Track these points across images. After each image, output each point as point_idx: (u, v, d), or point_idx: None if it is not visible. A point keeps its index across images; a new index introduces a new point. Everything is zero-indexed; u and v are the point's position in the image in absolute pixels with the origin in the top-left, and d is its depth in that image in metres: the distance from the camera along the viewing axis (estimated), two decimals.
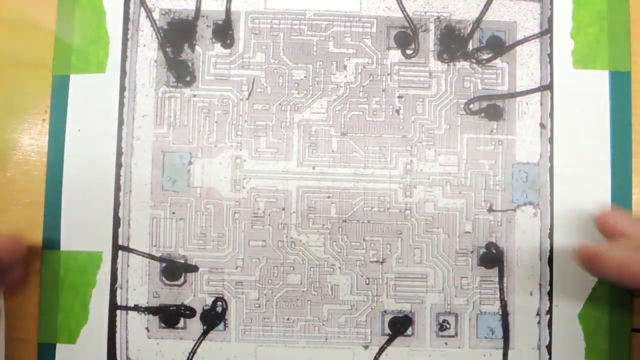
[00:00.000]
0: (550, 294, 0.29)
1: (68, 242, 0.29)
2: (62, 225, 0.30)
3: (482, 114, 0.30)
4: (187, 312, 0.30)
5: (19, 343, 0.30)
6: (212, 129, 0.30)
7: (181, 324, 0.30)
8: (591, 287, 0.29)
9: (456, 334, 0.29)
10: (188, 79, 0.30)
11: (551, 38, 0.30)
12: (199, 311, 0.29)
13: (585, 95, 0.30)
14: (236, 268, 0.30)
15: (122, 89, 0.30)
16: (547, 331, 0.29)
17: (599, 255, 0.25)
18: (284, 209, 0.30)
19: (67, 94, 0.30)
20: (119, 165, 0.30)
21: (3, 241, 0.28)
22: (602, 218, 0.27)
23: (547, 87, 0.30)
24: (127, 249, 0.30)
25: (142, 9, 0.30)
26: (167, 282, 0.30)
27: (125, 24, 0.30)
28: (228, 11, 0.30)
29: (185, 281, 0.30)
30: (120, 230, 0.30)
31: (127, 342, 0.29)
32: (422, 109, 0.30)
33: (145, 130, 0.30)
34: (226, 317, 0.29)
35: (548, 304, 0.29)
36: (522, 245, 0.29)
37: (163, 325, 0.29)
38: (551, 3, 0.30)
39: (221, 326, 0.29)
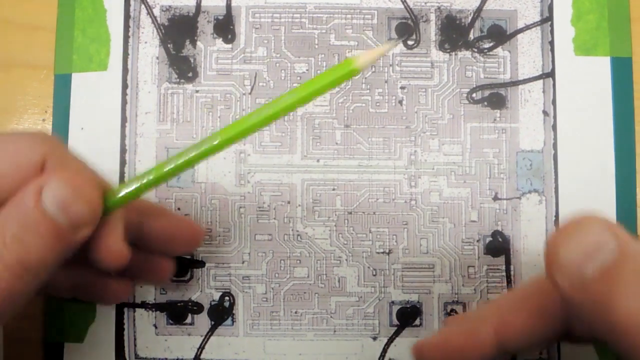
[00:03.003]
0: None
1: None
2: None
3: (485, 103, 0.30)
4: (195, 307, 0.29)
5: (26, 343, 0.29)
6: (216, 124, 0.30)
7: (189, 319, 0.29)
8: None
9: None
10: (190, 74, 0.30)
11: (552, 26, 0.30)
12: (206, 306, 0.29)
13: (587, 82, 0.30)
14: (243, 262, 0.30)
15: (125, 86, 0.30)
16: None
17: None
18: (289, 202, 0.30)
19: (70, 93, 0.30)
20: (123, 163, 0.30)
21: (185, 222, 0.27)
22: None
23: (549, 75, 0.30)
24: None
25: (142, 6, 0.30)
26: (174, 278, 0.30)
27: (126, 21, 0.30)
28: (229, 6, 0.30)
29: (191, 277, 0.30)
30: None
31: (135, 339, 0.29)
32: (424, 99, 0.30)
33: (149, 127, 0.30)
34: (234, 311, 0.29)
35: None
36: (528, 233, 0.29)
37: (171, 321, 0.29)
38: None
39: (229, 321, 0.29)
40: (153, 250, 0.26)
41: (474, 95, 0.30)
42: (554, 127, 0.30)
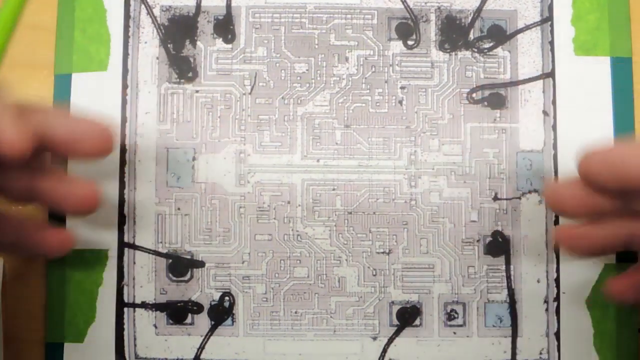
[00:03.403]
0: (557, 281, 0.29)
1: None
2: (67, 224, 0.29)
3: (485, 103, 0.30)
4: (195, 307, 0.29)
5: (26, 343, 0.29)
6: (216, 124, 0.30)
7: (189, 319, 0.29)
8: (598, 273, 0.29)
9: (464, 323, 0.29)
10: (190, 75, 0.30)
11: (552, 26, 0.30)
12: (206, 307, 0.29)
13: (587, 82, 0.30)
14: (242, 262, 0.30)
15: (125, 86, 0.30)
16: (556, 318, 0.29)
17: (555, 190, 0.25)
18: (289, 203, 0.30)
19: (70, 93, 0.30)
20: (122, 163, 0.30)
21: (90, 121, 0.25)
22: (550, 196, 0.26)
23: (549, 75, 0.30)
24: (133, 246, 0.30)
25: (142, 6, 0.30)
26: (174, 278, 0.30)
27: (126, 21, 0.30)
28: (229, 6, 0.30)
29: (191, 277, 0.30)
30: (125, 227, 0.30)
31: (135, 339, 0.29)
32: (424, 99, 0.30)
33: (149, 127, 0.30)
34: (234, 311, 0.29)
35: (555, 291, 0.29)
36: (528, 233, 0.30)
37: (171, 321, 0.29)
38: None
39: (229, 321, 0.29)
40: (62, 155, 0.26)
41: (474, 95, 0.30)
42: (554, 127, 0.30)
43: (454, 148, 0.30)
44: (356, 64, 0.30)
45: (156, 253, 0.30)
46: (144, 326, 0.29)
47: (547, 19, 0.30)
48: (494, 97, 0.30)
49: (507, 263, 0.30)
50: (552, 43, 0.30)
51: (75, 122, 0.25)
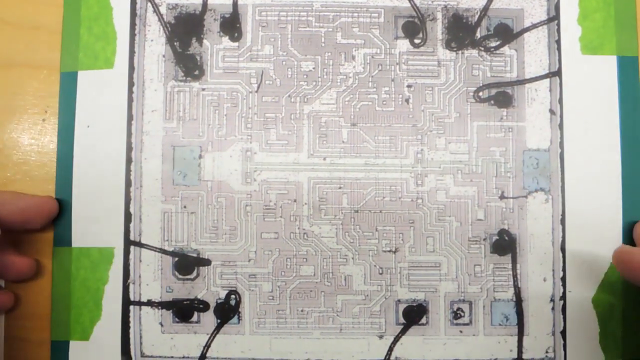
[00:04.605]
0: (563, 279, 0.29)
1: (79, 238, 0.29)
2: (73, 222, 0.29)
3: (492, 102, 0.30)
4: (201, 306, 0.29)
5: (31, 342, 0.29)
6: (222, 122, 0.30)
7: (195, 318, 0.29)
8: (604, 272, 0.29)
9: (471, 322, 0.29)
10: (196, 72, 0.30)
11: (558, 24, 0.30)
12: (212, 305, 0.29)
13: (593, 81, 0.30)
14: (249, 261, 0.30)
15: (131, 84, 0.30)
16: (562, 317, 0.29)
17: (630, 255, 0.25)
18: (295, 201, 0.30)
19: (76, 91, 0.30)
20: (129, 161, 0.30)
21: (34, 201, 0.29)
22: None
23: (555, 74, 0.30)
24: (139, 244, 0.30)
25: (149, 4, 0.30)
26: (180, 276, 0.30)
27: (132, 19, 0.30)
28: (235, 4, 0.30)
29: (198, 275, 0.30)
30: (131, 225, 0.30)
31: (141, 337, 0.29)
32: (431, 97, 0.30)
33: (155, 125, 0.30)
34: (240, 310, 0.29)
35: (562, 290, 0.29)
36: (534, 232, 0.29)
37: (177, 319, 0.29)
38: None
39: (235, 319, 0.29)
40: (13, 230, 0.29)
41: (480, 93, 0.30)
42: (561, 126, 0.30)
43: (461, 147, 0.30)
44: (363, 62, 0.30)
45: (162, 251, 0.30)
46: (150, 324, 0.29)
47: (553, 18, 0.30)
48: (501, 95, 0.30)
49: (514, 261, 0.30)
50: (558, 42, 0.30)
51: (24, 202, 0.28)
